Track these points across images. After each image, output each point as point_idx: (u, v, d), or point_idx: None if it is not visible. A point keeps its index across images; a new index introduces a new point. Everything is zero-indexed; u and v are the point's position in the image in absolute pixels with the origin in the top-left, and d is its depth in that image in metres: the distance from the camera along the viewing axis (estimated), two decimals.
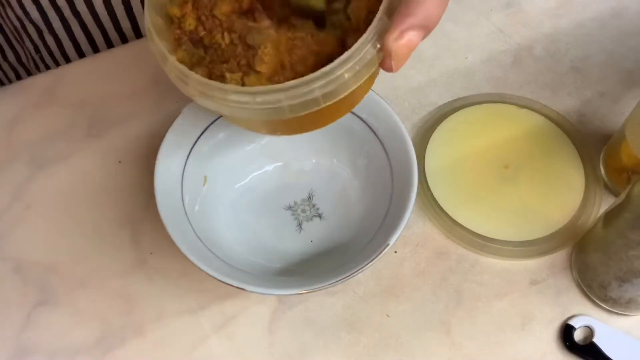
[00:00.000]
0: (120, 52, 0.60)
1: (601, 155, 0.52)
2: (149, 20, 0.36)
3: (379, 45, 0.34)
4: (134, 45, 0.60)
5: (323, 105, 0.34)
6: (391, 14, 0.33)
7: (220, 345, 0.46)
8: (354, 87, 0.34)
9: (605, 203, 0.51)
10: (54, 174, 0.53)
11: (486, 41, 0.60)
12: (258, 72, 0.35)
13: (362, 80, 0.34)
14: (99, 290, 0.48)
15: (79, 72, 0.58)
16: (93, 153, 0.54)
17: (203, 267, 0.41)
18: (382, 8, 0.33)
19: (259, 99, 0.34)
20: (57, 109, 0.56)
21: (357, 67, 0.34)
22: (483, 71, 0.58)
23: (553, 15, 0.62)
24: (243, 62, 0.35)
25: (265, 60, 0.35)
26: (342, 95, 0.34)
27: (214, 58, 0.36)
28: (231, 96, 0.34)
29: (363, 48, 0.33)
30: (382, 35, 0.33)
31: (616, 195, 0.51)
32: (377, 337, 0.46)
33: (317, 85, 0.33)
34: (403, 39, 0.33)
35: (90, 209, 0.51)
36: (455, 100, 0.56)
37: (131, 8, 0.61)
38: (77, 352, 0.46)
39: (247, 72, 0.35)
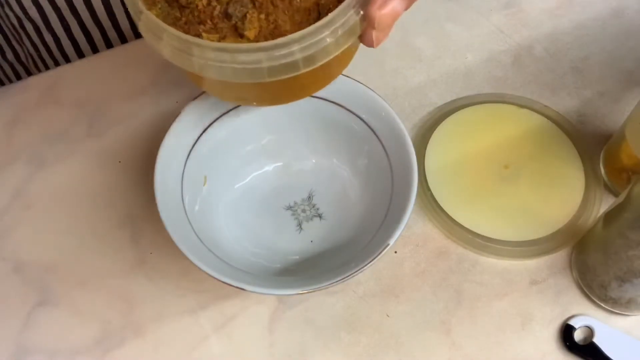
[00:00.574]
0: (120, 52, 0.60)
1: (601, 155, 0.52)
2: None
3: (361, 12, 0.33)
4: (133, 45, 0.60)
5: (302, 71, 0.33)
6: None
7: (220, 345, 0.46)
8: (334, 54, 0.34)
9: (605, 203, 0.51)
10: (54, 174, 0.53)
11: (486, 41, 0.60)
12: (243, 36, 0.34)
13: (343, 48, 0.34)
14: (99, 290, 0.48)
15: (79, 72, 0.58)
16: (93, 153, 0.54)
17: (203, 267, 0.41)
18: None
19: (239, 57, 0.32)
20: (57, 109, 0.56)
21: (339, 32, 0.33)
22: (483, 71, 0.58)
23: (553, 15, 0.62)
24: (221, 24, 0.34)
25: (254, 25, 0.34)
26: (322, 62, 0.34)
27: (189, 19, 0.35)
28: (209, 53, 0.33)
29: (345, 13, 0.33)
30: (364, 4, 0.33)
31: (616, 195, 0.51)
32: (377, 337, 0.46)
33: (297, 47, 0.32)
34: (387, 7, 0.32)
35: (90, 208, 0.51)
36: (455, 100, 0.56)
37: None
38: (77, 352, 0.46)
39: (225, 35, 0.34)
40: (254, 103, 0.41)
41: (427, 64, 0.58)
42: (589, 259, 0.46)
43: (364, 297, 0.47)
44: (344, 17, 0.33)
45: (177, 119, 0.47)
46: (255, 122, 0.50)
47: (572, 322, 0.46)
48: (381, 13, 0.32)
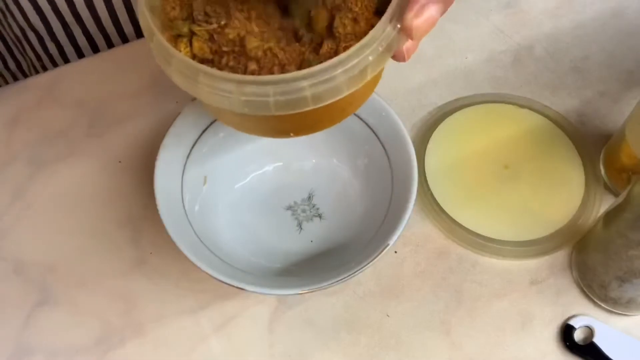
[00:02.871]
0: (120, 52, 0.60)
1: (601, 155, 0.52)
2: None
3: (399, 26, 0.32)
4: (134, 45, 0.60)
5: (346, 94, 0.32)
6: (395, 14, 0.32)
7: (220, 345, 0.46)
8: (376, 71, 0.33)
9: (605, 203, 0.51)
10: (54, 174, 0.53)
11: (486, 41, 0.60)
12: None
13: (383, 65, 0.33)
14: (98, 290, 0.48)
15: (79, 72, 0.58)
16: (93, 153, 0.54)
17: (203, 267, 0.41)
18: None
19: (246, 89, 0.32)
20: (57, 109, 0.56)
21: (380, 49, 0.32)
22: (483, 71, 0.58)
23: (553, 15, 0.62)
24: (232, 63, 0.34)
25: (259, 59, 0.34)
26: (364, 82, 0.33)
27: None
28: (217, 83, 0.32)
29: (384, 28, 0.32)
30: (400, 15, 0.32)
31: (616, 195, 0.51)
32: (377, 337, 0.46)
33: (341, 70, 0.32)
34: (423, 15, 0.31)
35: (90, 208, 0.51)
36: (455, 100, 0.56)
37: (134, 12, 0.61)
38: (77, 352, 0.46)
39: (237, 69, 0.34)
40: (291, 134, 0.40)
41: (427, 64, 0.58)
42: (589, 259, 0.46)
43: (364, 297, 0.47)
44: (382, 32, 0.32)
45: (177, 119, 0.47)
46: None
47: (572, 322, 0.46)
48: (418, 22, 0.31)
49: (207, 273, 0.41)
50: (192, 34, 0.35)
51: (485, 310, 0.47)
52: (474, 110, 0.55)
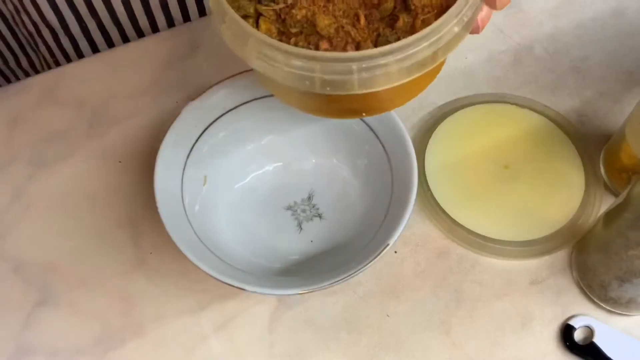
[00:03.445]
0: (121, 52, 0.60)
1: (601, 155, 0.52)
2: None
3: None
4: (134, 45, 0.60)
5: (436, 63, 0.31)
6: None
7: (220, 345, 0.46)
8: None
9: (605, 203, 0.51)
10: (54, 174, 0.53)
11: (486, 41, 0.60)
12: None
13: (467, 34, 0.32)
14: (99, 290, 0.48)
15: (79, 72, 0.58)
16: (93, 153, 0.54)
17: (203, 267, 0.41)
18: None
19: (328, 67, 0.30)
20: (57, 109, 0.56)
21: (469, 14, 0.31)
22: (483, 71, 0.58)
23: (553, 15, 0.62)
24: (302, 43, 0.33)
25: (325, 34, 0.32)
26: (452, 50, 0.32)
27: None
28: (297, 62, 0.31)
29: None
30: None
31: (616, 195, 0.51)
32: (377, 337, 0.46)
33: (392, 58, 0.30)
34: None
35: (90, 209, 0.51)
36: (455, 100, 0.56)
37: (149, 4, 0.61)
38: (77, 352, 0.46)
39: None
40: (364, 114, 0.38)
41: None
42: (589, 259, 0.46)
43: (364, 297, 0.47)
44: (465, 3, 0.31)
45: (177, 119, 0.47)
46: (255, 122, 0.50)
47: (572, 322, 0.46)
48: None
49: (207, 273, 0.41)
50: (258, 14, 0.33)
51: (485, 310, 0.47)
52: (474, 110, 0.55)
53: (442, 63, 0.37)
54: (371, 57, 0.30)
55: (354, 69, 0.30)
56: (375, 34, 0.33)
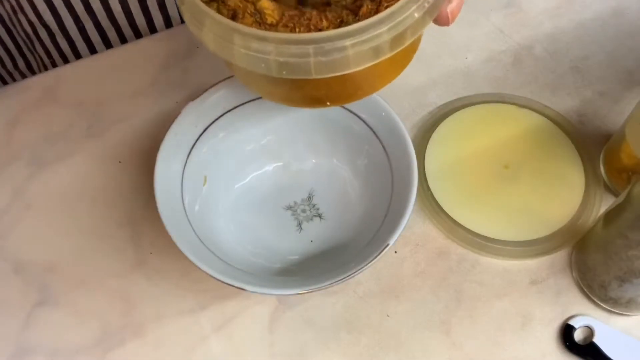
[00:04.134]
0: (120, 53, 0.60)
1: (601, 155, 0.52)
2: None
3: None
4: (133, 46, 0.60)
5: (389, 54, 0.31)
6: None
7: (220, 345, 0.46)
8: (421, 31, 0.31)
9: (605, 203, 0.51)
10: (54, 174, 0.53)
11: (486, 41, 0.60)
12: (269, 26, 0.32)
13: (427, 26, 0.31)
14: (98, 290, 0.48)
15: (79, 72, 0.58)
16: (93, 153, 0.54)
17: (203, 267, 0.41)
18: None
19: (285, 49, 0.29)
20: (57, 109, 0.56)
21: (426, 6, 0.30)
22: (483, 71, 0.58)
23: (553, 15, 0.62)
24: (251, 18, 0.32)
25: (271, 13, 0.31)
26: (411, 40, 0.31)
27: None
28: (252, 43, 0.30)
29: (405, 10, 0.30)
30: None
31: (616, 195, 0.51)
32: (377, 337, 0.46)
33: (385, 28, 0.30)
34: None
35: (90, 209, 0.51)
36: (455, 100, 0.56)
37: (146, 3, 0.61)
38: (77, 352, 0.46)
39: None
40: (328, 103, 0.37)
41: (427, 64, 0.58)
42: (589, 259, 0.46)
43: (364, 297, 0.47)
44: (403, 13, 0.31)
45: (177, 119, 0.47)
46: (255, 122, 0.50)
47: (572, 322, 0.46)
48: None
49: (207, 273, 0.41)
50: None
51: (485, 310, 0.47)
52: (474, 110, 0.55)
53: (411, 52, 0.36)
54: (328, 39, 0.30)
55: (310, 51, 0.30)
56: (338, 20, 0.32)
